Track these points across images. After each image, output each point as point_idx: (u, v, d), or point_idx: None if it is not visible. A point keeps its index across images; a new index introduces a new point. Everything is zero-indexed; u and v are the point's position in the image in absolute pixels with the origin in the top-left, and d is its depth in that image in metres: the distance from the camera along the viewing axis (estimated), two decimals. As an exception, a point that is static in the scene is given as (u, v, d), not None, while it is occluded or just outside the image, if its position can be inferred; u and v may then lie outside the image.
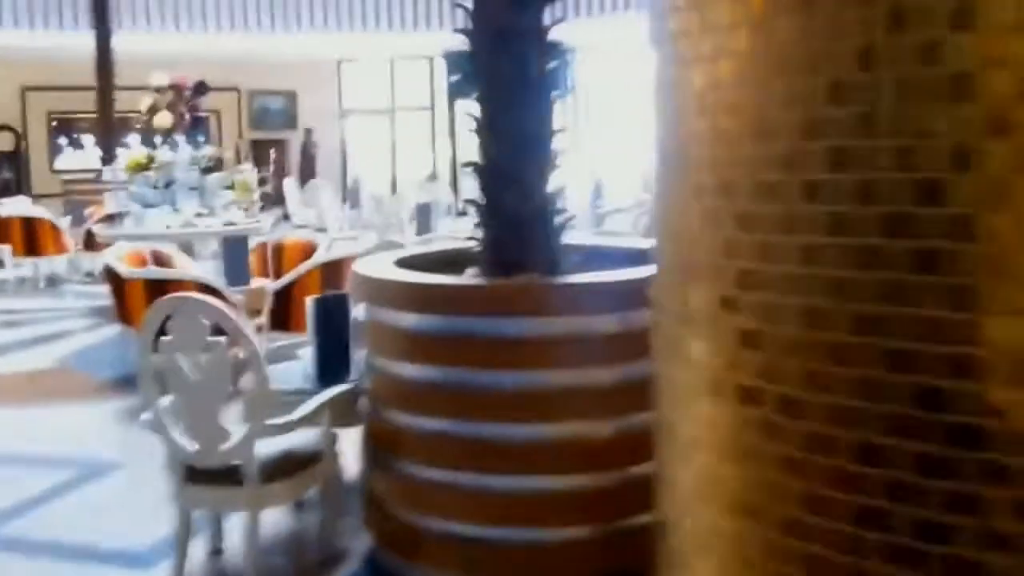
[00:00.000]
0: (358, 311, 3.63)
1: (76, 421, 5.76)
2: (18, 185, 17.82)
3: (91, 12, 15.32)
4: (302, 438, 3.47)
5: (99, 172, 15.73)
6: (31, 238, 11.13)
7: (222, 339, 3.17)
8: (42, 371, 7.11)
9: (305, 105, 20.10)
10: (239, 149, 17.28)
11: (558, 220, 3.37)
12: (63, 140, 18.99)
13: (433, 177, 18.69)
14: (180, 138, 9.63)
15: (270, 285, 6.07)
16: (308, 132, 19.42)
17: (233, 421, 3.40)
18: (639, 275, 3.14)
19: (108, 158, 15.62)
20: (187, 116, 9.63)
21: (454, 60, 18.12)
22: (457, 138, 18.99)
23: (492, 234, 3.38)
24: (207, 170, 9.48)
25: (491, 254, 3.39)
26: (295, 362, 4.11)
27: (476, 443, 3.15)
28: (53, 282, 11.39)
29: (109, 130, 15.60)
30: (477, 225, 3.46)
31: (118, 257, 6.67)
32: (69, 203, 11.87)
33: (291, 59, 18.85)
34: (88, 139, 18.94)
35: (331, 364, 3.84)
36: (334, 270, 6.07)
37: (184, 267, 6.94)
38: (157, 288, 5.75)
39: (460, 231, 10.50)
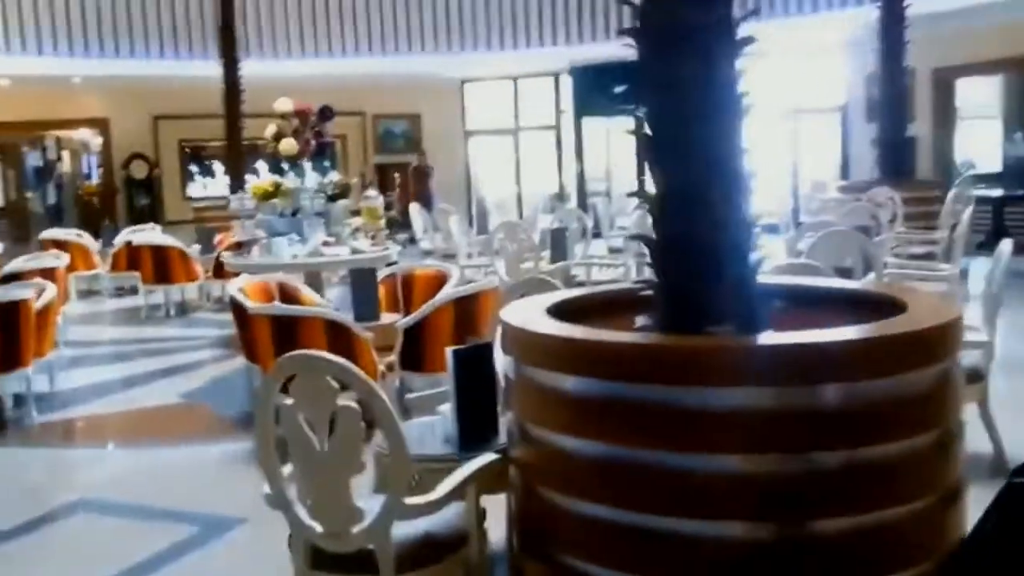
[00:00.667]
0: (506, 365, 3.08)
1: (200, 464, 5.41)
2: (152, 212, 18.13)
3: (218, 41, 15.44)
4: (445, 517, 2.95)
5: (228, 199, 15.82)
6: (162, 266, 11.09)
7: (353, 404, 2.67)
8: (168, 407, 6.85)
9: (428, 127, 19.91)
10: (364, 174, 17.15)
11: (754, 257, 2.74)
12: (194, 167, 19.27)
13: (560, 198, 18.20)
14: (307, 164, 9.37)
15: (401, 322, 5.61)
16: (422, 155, 19.24)
17: (364, 495, 2.90)
18: (871, 333, 2.51)
19: (236, 185, 15.70)
20: (312, 142, 9.34)
21: (580, 75, 17.69)
22: (584, 157, 18.43)
23: (671, 275, 2.78)
24: (333, 197, 9.17)
25: (669, 300, 2.79)
26: (433, 419, 3.61)
27: (650, 540, 2.55)
28: (183, 310, 11.33)
29: (237, 157, 15.68)
30: (650, 264, 2.87)
31: (243, 290, 6.35)
32: (199, 231, 11.81)
33: (414, 82, 18.68)
34: (218, 166, 19.18)
35: (475, 425, 3.32)
36: (468, 306, 5.58)
37: (310, 302, 6.58)
38: (283, 325, 5.37)
39: (596, 256, 10.01)
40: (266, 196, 9.41)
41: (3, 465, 5.68)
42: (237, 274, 10.66)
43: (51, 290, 6.97)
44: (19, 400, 6.82)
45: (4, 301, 6.27)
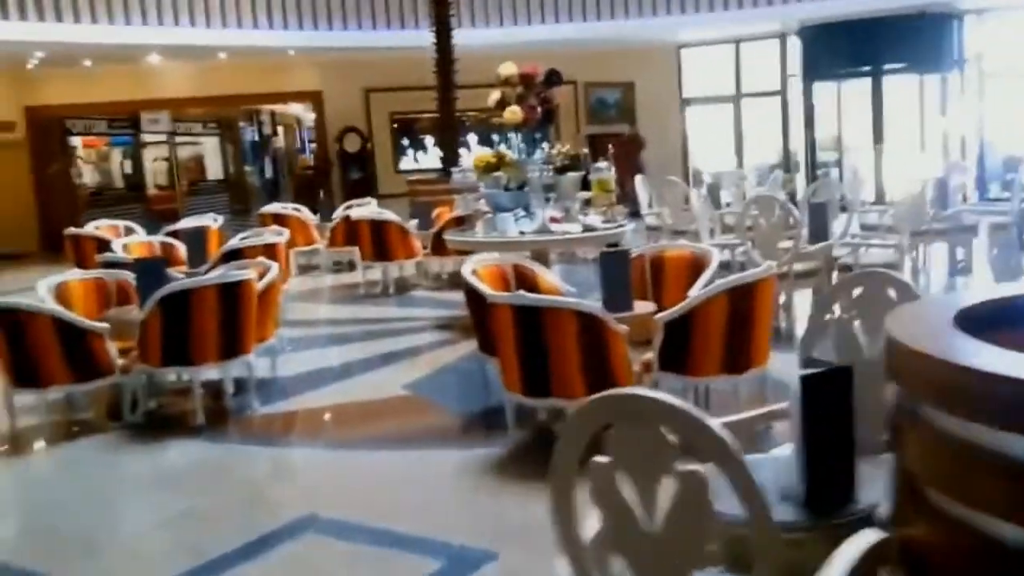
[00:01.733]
0: (888, 393, 2.16)
1: (435, 475, 4.76)
2: (365, 186, 18.06)
3: (431, 11, 14.98)
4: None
5: (441, 172, 15.43)
6: (380, 242, 10.69)
7: (699, 469, 1.84)
8: (393, 401, 6.29)
9: (642, 96, 18.89)
10: (578, 145, 16.39)
11: None
12: (404, 141, 19.08)
13: (787, 168, 16.80)
14: (523, 137, 8.65)
15: (662, 314, 4.75)
16: (632, 124, 18.23)
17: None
18: None
19: (449, 158, 15.28)
20: (539, 109, 8.61)
21: (811, 35, 16.14)
22: (816, 124, 16.91)
23: None
24: (563, 168, 8.42)
25: None
26: (756, 459, 2.74)
27: None
28: (401, 288, 10.93)
29: (450, 129, 15.23)
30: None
31: (477, 273, 5.68)
32: (415, 205, 11.36)
33: (628, 48, 17.72)
34: (429, 139, 18.93)
35: (827, 478, 2.44)
36: (745, 296, 4.66)
37: (551, 288, 5.83)
38: (527, 316, 4.64)
39: (858, 235, 8.74)
40: (489, 168, 8.78)
41: (229, 464, 5.25)
42: (459, 251, 10.24)
43: (274, 269, 6.54)
44: (239, 385, 6.47)
45: (225, 283, 5.86)
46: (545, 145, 9.10)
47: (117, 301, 6.62)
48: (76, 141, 19.33)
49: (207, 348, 5.82)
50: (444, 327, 8.54)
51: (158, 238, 9.13)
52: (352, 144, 18.36)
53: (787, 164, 17.36)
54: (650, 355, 4.82)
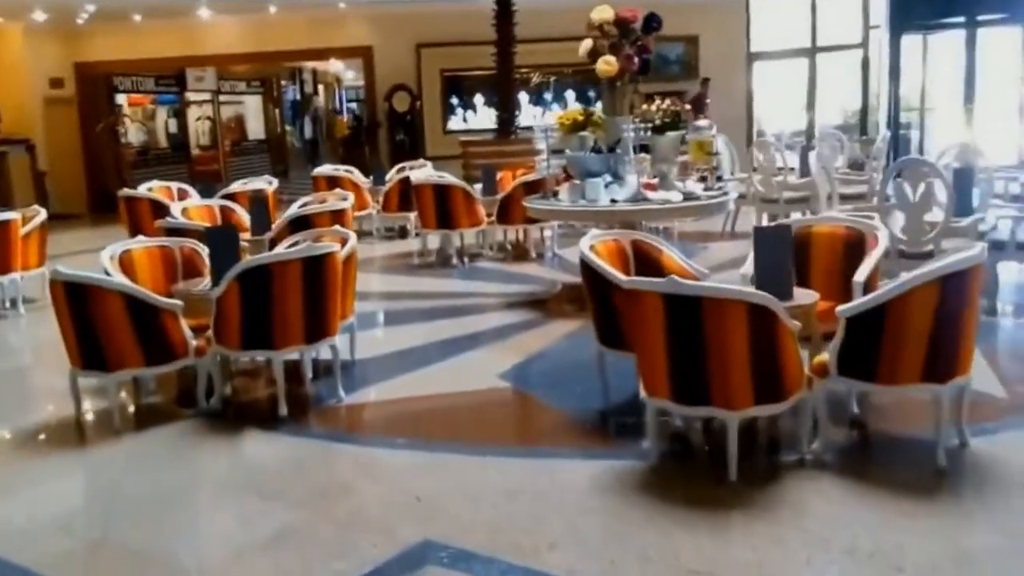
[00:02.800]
0: None
1: (561, 492, 4.04)
2: (413, 147, 17.31)
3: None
4: None
5: (498, 133, 14.64)
6: (443, 208, 9.90)
7: None
8: (490, 395, 5.54)
9: (707, 51, 17.88)
10: (633, 104, 15.51)
11: None
12: (454, 100, 18.24)
13: (863, 129, 15.83)
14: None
15: (844, 307, 3.99)
16: (705, 82, 17.26)
17: None
18: None
19: (507, 117, 14.51)
20: (636, 59, 7.79)
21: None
22: (907, 79, 15.79)
23: None
24: (661, 127, 7.62)
25: None
26: None
27: None
28: (463, 258, 10.18)
29: (508, 87, 14.43)
30: None
31: (595, 249, 4.95)
32: (470, 167, 10.56)
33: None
34: (479, 99, 18.13)
35: None
36: (959, 287, 3.84)
37: (676, 267, 5.08)
38: (680, 306, 3.90)
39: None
40: (576, 127, 8.01)
41: (319, 465, 4.57)
42: (528, 220, 9.50)
43: (352, 240, 5.84)
44: (316, 368, 5.81)
45: (310, 256, 5.14)
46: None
47: (184, 273, 5.97)
48: (122, 99, 18.72)
49: (291, 330, 5.14)
50: (521, 305, 7.82)
51: (217, 202, 8.45)
52: (401, 103, 17.54)
53: (864, 126, 16.37)
54: (825, 357, 4.08)
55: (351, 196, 8.41)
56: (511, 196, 9.79)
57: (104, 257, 5.64)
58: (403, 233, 11.96)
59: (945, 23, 15.10)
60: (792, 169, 10.68)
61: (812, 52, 17.26)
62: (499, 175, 10.88)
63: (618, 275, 4.49)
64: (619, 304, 4.57)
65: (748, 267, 5.06)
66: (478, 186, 10.47)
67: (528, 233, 10.40)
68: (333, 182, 11.89)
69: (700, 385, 3.94)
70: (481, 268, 9.89)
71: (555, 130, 8.12)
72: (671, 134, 7.63)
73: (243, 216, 8.32)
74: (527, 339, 6.77)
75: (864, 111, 16.68)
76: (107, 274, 5.41)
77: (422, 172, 11.25)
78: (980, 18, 14.79)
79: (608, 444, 4.65)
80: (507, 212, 9.93)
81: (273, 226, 7.55)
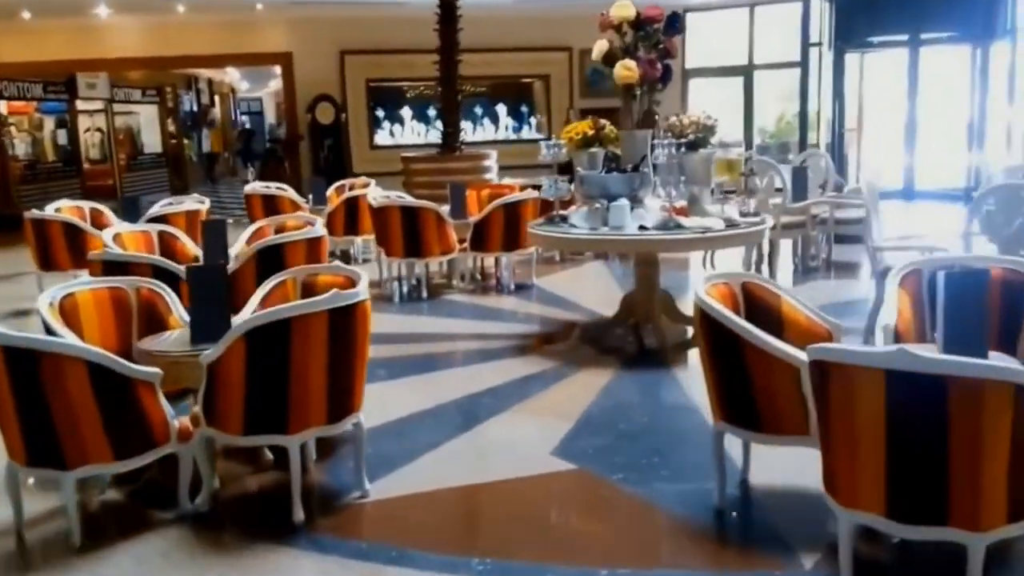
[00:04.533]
0: None
1: None
2: (338, 164, 15.96)
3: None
4: None
5: (443, 149, 13.45)
6: (412, 234, 8.59)
7: None
8: (549, 480, 4.31)
9: (643, 67, 17.09)
10: (569, 120, 14.58)
11: None
12: (380, 112, 16.96)
13: (802, 145, 15.27)
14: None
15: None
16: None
17: None
18: None
19: (452, 131, 13.38)
20: (658, 64, 6.81)
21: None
22: (845, 97, 15.38)
23: None
24: (692, 144, 6.61)
25: None
26: None
27: None
28: (430, 291, 8.93)
29: (453, 99, 13.26)
30: None
31: (712, 295, 3.86)
32: (451, 187, 9.28)
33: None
34: (407, 111, 16.95)
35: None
36: None
37: (804, 320, 4.02)
38: (907, 387, 2.84)
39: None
40: (585, 142, 6.96)
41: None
42: (512, 247, 8.34)
43: (364, 280, 4.57)
44: (318, 447, 4.54)
45: (337, 307, 3.88)
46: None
47: (141, 324, 4.60)
48: (1, 107, 16.71)
49: (313, 405, 3.87)
50: (527, 349, 6.71)
51: (155, 227, 6.99)
52: (325, 115, 16.15)
53: (803, 143, 15.85)
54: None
55: (319, 221, 7.09)
56: (488, 220, 8.62)
57: (42, 304, 4.25)
58: (345, 258, 10.65)
59: (888, 40, 14.73)
60: (779, 190, 9.84)
61: (749, 70, 16.81)
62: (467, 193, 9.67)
63: (786, 347, 3.39)
64: (767, 377, 3.48)
65: (887, 318, 4.06)
66: (445, 208, 9.25)
67: (499, 261, 9.23)
68: (269, 201, 10.52)
69: (934, 498, 2.89)
70: (454, 302, 8.68)
71: (562, 145, 7.02)
72: (703, 151, 6.63)
73: (187, 243, 6.92)
74: (558, 396, 5.62)
75: (803, 130, 16.17)
76: (49, 332, 4.04)
77: (376, 192, 9.97)
78: (924, 36, 14.46)
79: (753, 561, 3.53)
80: (482, 238, 8.75)
81: (234, 257, 6.19)
